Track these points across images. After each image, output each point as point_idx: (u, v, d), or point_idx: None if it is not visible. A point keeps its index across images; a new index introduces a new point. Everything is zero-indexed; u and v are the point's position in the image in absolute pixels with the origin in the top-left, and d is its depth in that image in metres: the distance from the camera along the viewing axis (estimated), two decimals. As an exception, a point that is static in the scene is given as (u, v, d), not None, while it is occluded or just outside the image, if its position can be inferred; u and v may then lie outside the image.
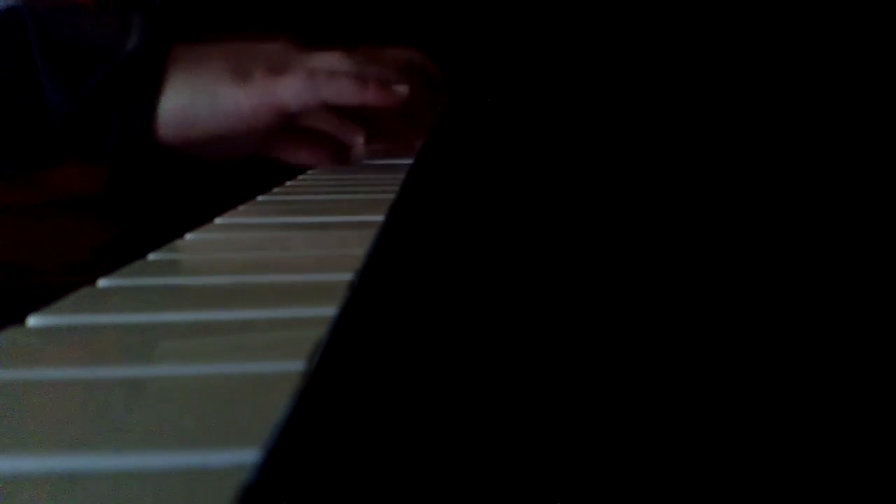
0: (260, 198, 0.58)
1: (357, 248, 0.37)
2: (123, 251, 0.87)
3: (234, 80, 0.64)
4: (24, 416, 0.21)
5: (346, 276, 0.32)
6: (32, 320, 0.28)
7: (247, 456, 0.17)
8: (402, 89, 0.64)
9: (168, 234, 0.43)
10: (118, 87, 0.62)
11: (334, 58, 0.67)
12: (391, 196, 0.54)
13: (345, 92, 0.64)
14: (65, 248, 0.86)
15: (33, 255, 0.86)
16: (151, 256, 0.38)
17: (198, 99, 0.64)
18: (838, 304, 0.27)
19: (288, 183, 0.67)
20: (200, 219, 0.48)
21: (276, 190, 0.62)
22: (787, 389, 0.20)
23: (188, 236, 0.43)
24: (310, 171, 0.76)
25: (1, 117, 0.62)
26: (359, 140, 0.71)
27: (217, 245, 0.42)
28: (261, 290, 0.32)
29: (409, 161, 0.79)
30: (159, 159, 0.67)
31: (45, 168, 0.68)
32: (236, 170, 0.84)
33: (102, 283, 0.33)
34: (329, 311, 0.27)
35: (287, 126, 0.68)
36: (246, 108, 0.64)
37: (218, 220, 0.48)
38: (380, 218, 0.45)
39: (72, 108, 0.62)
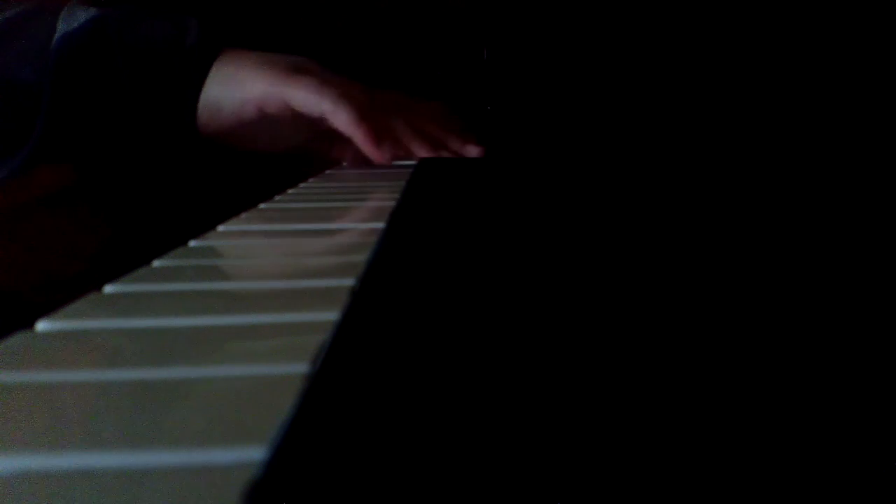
0: (262, 205, 0.59)
1: (359, 255, 0.37)
2: (117, 259, 0.87)
3: (256, 72, 0.71)
4: (35, 416, 0.21)
5: (348, 282, 0.32)
6: (41, 325, 0.28)
7: (254, 453, 0.18)
8: (386, 154, 0.70)
9: (168, 240, 0.43)
10: (175, 77, 0.71)
11: (354, 86, 0.73)
12: (392, 203, 0.55)
13: (340, 117, 0.70)
14: (68, 252, 0.86)
15: (37, 258, 0.86)
16: (156, 263, 0.38)
17: (225, 88, 0.71)
18: (838, 304, 0.28)
19: (290, 191, 0.67)
20: (203, 226, 0.48)
21: (277, 198, 0.63)
22: (787, 389, 0.21)
23: (192, 243, 0.44)
24: (311, 179, 0.76)
25: (90, 110, 0.71)
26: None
27: (220, 252, 0.43)
28: (264, 295, 0.33)
29: (409, 168, 0.79)
30: (197, 145, 0.74)
31: (112, 158, 0.78)
32: (238, 178, 0.85)
33: (109, 288, 0.33)
34: (331, 315, 0.28)
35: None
36: (258, 95, 0.71)
37: (221, 228, 0.49)
38: (381, 225, 0.46)
39: (143, 102, 0.71)
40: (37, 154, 0.71)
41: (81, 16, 0.71)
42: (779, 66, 0.70)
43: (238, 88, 0.71)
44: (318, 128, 0.74)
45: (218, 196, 0.79)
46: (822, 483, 0.16)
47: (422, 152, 0.76)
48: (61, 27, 0.70)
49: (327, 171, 0.84)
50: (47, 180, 0.90)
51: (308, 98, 0.70)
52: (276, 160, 0.88)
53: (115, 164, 0.83)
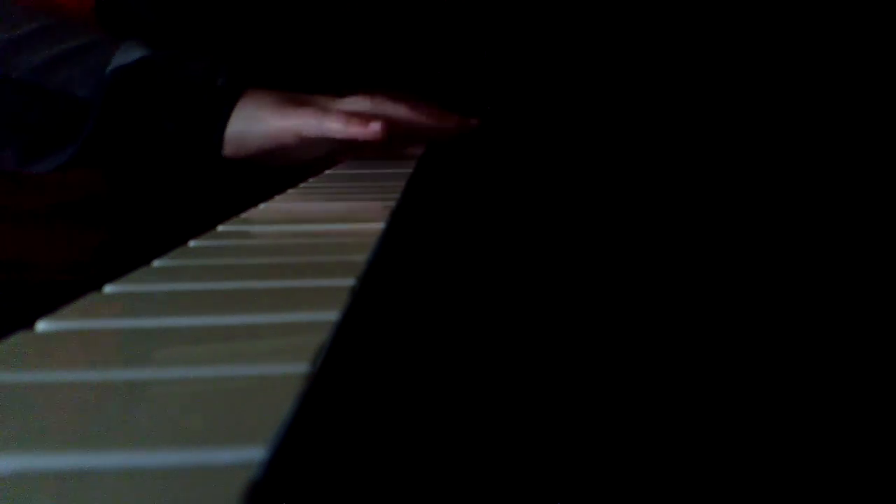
0: (262, 205, 0.59)
1: (359, 255, 0.37)
2: (118, 252, 0.94)
3: (272, 111, 0.86)
4: (35, 416, 0.22)
5: (349, 282, 0.32)
6: (41, 325, 0.28)
7: (254, 453, 0.18)
8: (374, 126, 0.83)
9: (168, 241, 0.43)
10: (205, 113, 0.88)
11: (355, 100, 0.87)
12: (392, 203, 0.55)
13: (336, 129, 0.84)
14: (60, 248, 0.94)
15: (30, 254, 0.93)
16: (156, 263, 0.38)
17: (248, 125, 0.87)
18: (838, 304, 0.28)
19: (290, 191, 0.68)
20: (203, 226, 0.48)
21: (277, 198, 0.63)
22: (787, 389, 0.21)
23: (192, 243, 0.44)
24: (311, 179, 0.76)
25: (130, 129, 0.87)
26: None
27: (221, 252, 0.43)
28: (265, 295, 0.33)
29: (409, 168, 0.79)
30: (222, 168, 0.90)
31: (144, 167, 0.97)
32: (238, 178, 0.88)
33: (109, 289, 0.33)
34: (332, 315, 0.28)
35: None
36: (273, 130, 0.86)
37: (221, 228, 0.49)
38: (381, 225, 0.46)
39: (177, 130, 0.88)
40: (80, 156, 0.88)
41: (135, 54, 0.87)
42: (776, 64, 0.70)
43: (258, 125, 0.86)
44: (332, 143, 0.87)
45: (218, 196, 0.84)
46: (822, 483, 0.16)
47: (415, 115, 0.88)
48: (117, 59, 0.87)
49: (327, 171, 0.84)
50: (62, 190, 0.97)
51: (310, 124, 0.85)
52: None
53: (145, 172, 1.00)
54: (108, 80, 0.86)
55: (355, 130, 0.83)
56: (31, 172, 0.91)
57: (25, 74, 0.87)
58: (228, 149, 0.88)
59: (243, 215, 0.54)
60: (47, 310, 0.29)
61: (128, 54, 0.87)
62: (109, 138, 0.88)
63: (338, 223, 0.51)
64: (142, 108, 0.87)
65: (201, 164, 0.90)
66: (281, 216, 0.56)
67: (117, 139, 0.88)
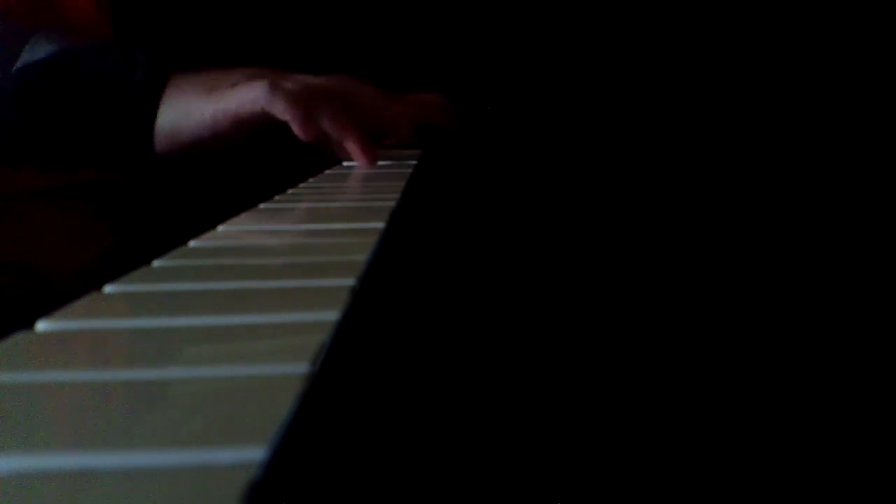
0: (262, 205, 0.59)
1: (358, 255, 0.37)
2: (118, 252, 0.93)
3: (203, 97, 0.80)
4: (35, 416, 0.22)
5: (348, 282, 0.32)
6: (41, 325, 0.28)
7: (254, 453, 0.18)
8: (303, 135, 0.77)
9: (168, 240, 0.43)
10: (127, 111, 0.81)
11: (306, 78, 0.81)
12: (392, 203, 0.55)
13: (276, 106, 0.78)
14: (60, 248, 0.93)
15: (29, 255, 0.92)
16: (156, 263, 0.38)
17: (178, 116, 0.80)
18: (838, 305, 0.28)
19: (290, 190, 0.68)
20: (203, 226, 0.48)
21: (277, 198, 0.63)
22: (787, 389, 0.21)
23: (192, 243, 0.44)
24: (311, 179, 0.76)
25: (43, 129, 0.82)
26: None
27: (220, 252, 0.43)
28: (264, 295, 0.33)
29: (409, 168, 0.79)
30: (157, 166, 0.84)
31: (70, 172, 0.90)
32: (238, 178, 0.88)
33: (109, 289, 0.33)
34: (331, 315, 0.28)
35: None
36: (208, 117, 0.79)
37: (221, 228, 0.49)
38: (381, 225, 0.46)
39: (98, 132, 0.81)
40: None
41: (42, 50, 0.81)
42: (777, 63, 0.70)
43: (190, 116, 0.80)
44: (265, 121, 0.80)
45: (218, 196, 0.83)
46: (822, 483, 0.16)
47: (345, 140, 0.82)
48: (24, 56, 0.81)
49: (327, 171, 0.84)
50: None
51: (246, 100, 0.78)
52: (276, 160, 0.89)
53: (146, 172, 0.93)
54: (14, 80, 0.80)
55: (297, 126, 0.76)
56: None
57: None
58: (160, 145, 0.81)
59: (243, 215, 0.54)
60: (47, 309, 0.29)
61: (35, 51, 0.81)
62: (24, 139, 0.82)
63: (338, 223, 0.51)
64: (55, 107, 0.81)
65: (138, 165, 0.84)
66: (281, 216, 0.56)
67: (34, 140, 0.82)
